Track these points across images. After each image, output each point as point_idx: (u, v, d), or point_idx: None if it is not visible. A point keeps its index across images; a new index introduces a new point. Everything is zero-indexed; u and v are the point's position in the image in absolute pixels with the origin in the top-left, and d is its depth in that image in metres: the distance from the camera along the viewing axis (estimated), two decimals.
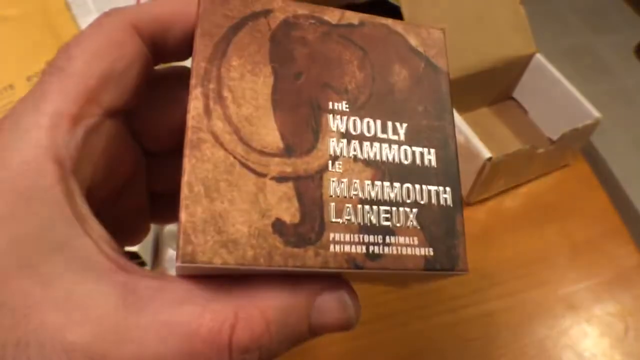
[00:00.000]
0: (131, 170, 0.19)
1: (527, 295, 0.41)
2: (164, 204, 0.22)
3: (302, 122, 0.15)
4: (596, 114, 0.43)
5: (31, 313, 0.13)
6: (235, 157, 0.14)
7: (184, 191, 0.13)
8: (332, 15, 0.17)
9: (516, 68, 0.48)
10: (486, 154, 0.39)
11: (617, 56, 1.63)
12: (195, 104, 0.14)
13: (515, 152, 0.40)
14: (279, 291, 0.14)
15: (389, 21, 0.17)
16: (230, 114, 0.14)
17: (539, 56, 0.47)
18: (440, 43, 0.18)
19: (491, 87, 0.49)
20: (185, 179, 0.13)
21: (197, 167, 0.14)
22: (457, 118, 0.41)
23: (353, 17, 0.17)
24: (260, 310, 0.14)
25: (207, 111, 0.14)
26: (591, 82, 1.53)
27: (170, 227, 0.39)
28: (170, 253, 0.40)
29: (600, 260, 0.43)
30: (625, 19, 1.75)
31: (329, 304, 0.15)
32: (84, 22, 0.45)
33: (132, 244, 0.22)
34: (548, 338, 0.39)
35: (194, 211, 0.13)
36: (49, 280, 0.13)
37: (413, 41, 0.17)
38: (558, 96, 0.46)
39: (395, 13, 0.45)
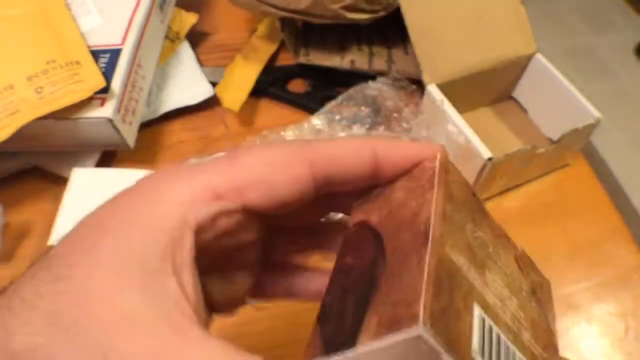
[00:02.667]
0: (247, 244, 0.19)
1: None
2: (270, 278, 0.22)
3: None
4: (596, 114, 0.43)
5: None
6: None
7: None
8: None
9: (516, 68, 0.48)
10: (486, 154, 0.39)
11: (617, 56, 1.63)
12: None
13: (515, 152, 0.40)
14: None
15: None
16: None
17: (539, 56, 0.47)
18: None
19: (491, 87, 0.49)
20: None
21: None
22: (457, 118, 0.41)
23: None
24: None
25: None
26: (591, 82, 1.52)
27: None
28: None
29: (600, 260, 0.43)
30: (625, 19, 1.75)
31: None
32: (84, 22, 0.45)
33: (226, 314, 0.22)
34: None
35: None
36: (150, 341, 0.14)
37: None
38: (558, 96, 0.46)
39: (396, 14, 0.45)
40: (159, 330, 0.14)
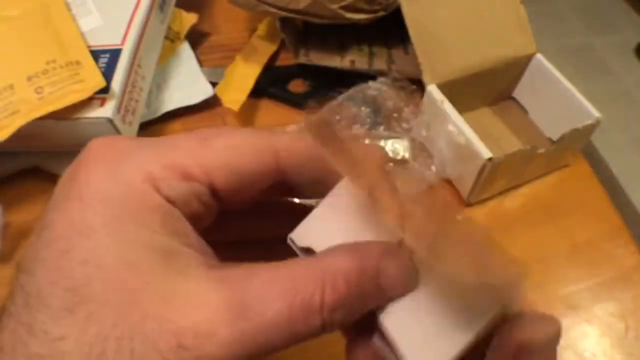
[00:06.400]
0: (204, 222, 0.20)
1: (527, 295, 0.41)
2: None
3: None
4: (596, 114, 0.43)
5: (134, 309, 0.14)
6: None
7: None
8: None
9: (516, 68, 0.48)
10: (486, 154, 0.39)
11: (617, 56, 1.63)
12: None
13: (515, 152, 0.40)
14: (350, 257, 0.17)
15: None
16: None
17: (539, 56, 0.47)
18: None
19: (491, 87, 0.49)
20: None
21: None
22: (457, 118, 0.41)
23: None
24: (343, 274, 0.16)
25: None
26: (591, 82, 1.52)
27: None
28: None
29: (600, 260, 0.43)
30: (625, 19, 1.75)
31: (393, 266, 0.17)
32: (84, 22, 0.45)
33: None
34: None
35: None
36: (150, 278, 0.15)
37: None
38: (558, 96, 0.46)
39: (396, 14, 0.45)
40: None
